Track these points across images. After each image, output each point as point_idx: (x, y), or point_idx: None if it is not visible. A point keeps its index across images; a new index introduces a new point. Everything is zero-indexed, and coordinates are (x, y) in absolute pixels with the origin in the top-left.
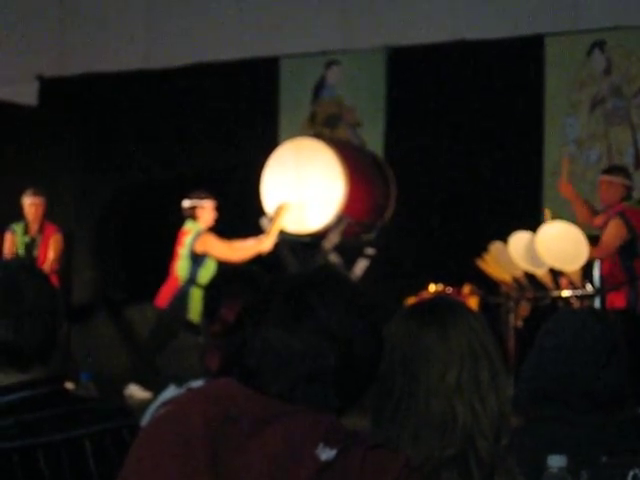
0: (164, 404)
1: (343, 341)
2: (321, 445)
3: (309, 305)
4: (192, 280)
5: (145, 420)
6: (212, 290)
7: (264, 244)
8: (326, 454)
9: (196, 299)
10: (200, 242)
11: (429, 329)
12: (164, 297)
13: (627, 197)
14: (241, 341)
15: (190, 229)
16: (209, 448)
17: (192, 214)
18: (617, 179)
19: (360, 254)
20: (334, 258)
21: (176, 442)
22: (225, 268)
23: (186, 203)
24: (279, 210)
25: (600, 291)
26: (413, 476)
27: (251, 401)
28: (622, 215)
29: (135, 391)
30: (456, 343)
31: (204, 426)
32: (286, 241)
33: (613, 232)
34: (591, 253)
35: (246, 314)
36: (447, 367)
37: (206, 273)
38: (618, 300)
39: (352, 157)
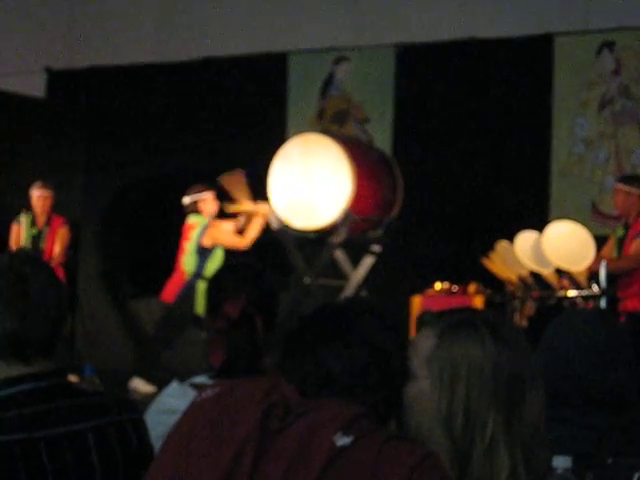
0: (208, 387)
1: (385, 355)
2: (340, 433)
3: (352, 323)
4: (199, 274)
5: (150, 414)
6: (215, 286)
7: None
8: (342, 440)
9: (203, 293)
10: (208, 235)
11: (530, 350)
12: (170, 291)
13: None
14: (248, 343)
15: (195, 223)
16: (258, 436)
17: (194, 209)
18: (635, 190)
19: (366, 251)
20: (340, 254)
21: (229, 427)
22: (227, 264)
23: (186, 200)
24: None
25: (606, 292)
26: (432, 471)
27: (294, 396)
28: None
29: (139, 385)
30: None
31: (260, 415)
32: (292, 237)
33: None
34: (616, 263)
35: (292, 339)
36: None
37: (213, 266)
38: (633, 304)
39: (359, 153)
